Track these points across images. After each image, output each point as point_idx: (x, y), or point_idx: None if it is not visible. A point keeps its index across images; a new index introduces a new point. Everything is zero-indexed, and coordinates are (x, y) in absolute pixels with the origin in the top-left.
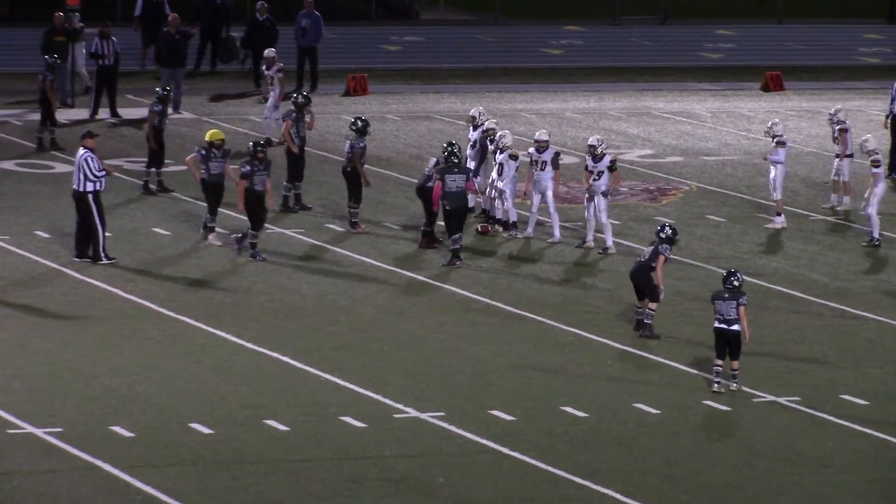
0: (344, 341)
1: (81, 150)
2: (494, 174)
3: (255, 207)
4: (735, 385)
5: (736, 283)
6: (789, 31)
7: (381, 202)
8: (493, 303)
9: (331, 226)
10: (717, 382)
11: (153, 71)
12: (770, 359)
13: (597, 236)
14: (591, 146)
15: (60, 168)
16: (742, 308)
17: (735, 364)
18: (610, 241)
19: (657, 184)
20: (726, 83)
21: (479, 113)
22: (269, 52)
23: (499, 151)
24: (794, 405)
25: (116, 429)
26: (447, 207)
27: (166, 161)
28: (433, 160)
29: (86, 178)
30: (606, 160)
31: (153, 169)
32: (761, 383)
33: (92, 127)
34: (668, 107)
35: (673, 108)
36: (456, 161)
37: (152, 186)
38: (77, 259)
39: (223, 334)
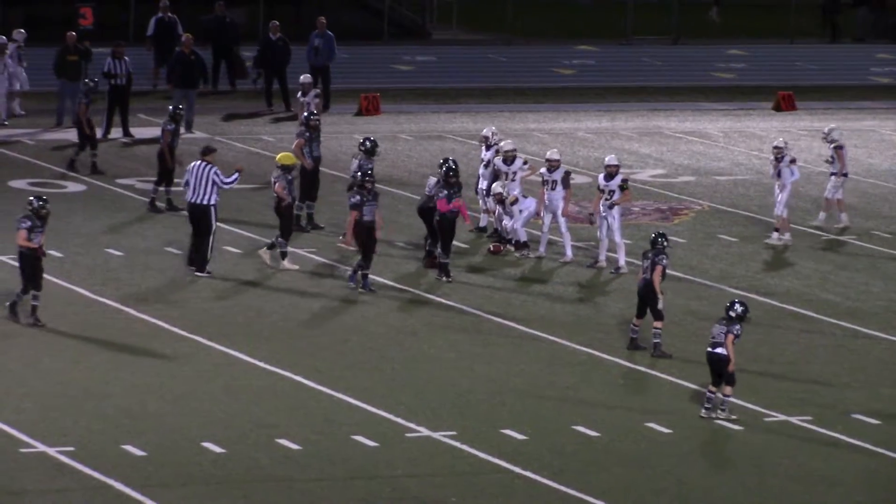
0: (356, 360)
1: (201, 164)
2: (483, 185)
3: (366, 239)
4: (723, 413)
5: (732, 314)
6: (801, 50)
7: (393, 221)
8: (505, 322)
9: (343, 245)
10: (705, 408)
11: (165, 91)
12: (782, 379)
13: (609, 256)
14: (610, 166)
15: (73, 188)
16: (730, 336)
17: (727, 390)
18: (622, 261)
19: (669, 203)
20: (738, 103)
21: (492, 133)
22: (305, 77)
23: (505, 161)
24: (805, 424)
25: (128, 448)
26: (442, 221)
27: (176, 181)
28: (433, 179)
29: (212, 191)
30: (618, 179)
31: (162, 187)
32: (773, 403)
33: (104, 146)
34: (680, 126)
35: (685, 127)
36: (457, 180)
37: (160, 205)
38: (192, 269)
39: (235, 353)
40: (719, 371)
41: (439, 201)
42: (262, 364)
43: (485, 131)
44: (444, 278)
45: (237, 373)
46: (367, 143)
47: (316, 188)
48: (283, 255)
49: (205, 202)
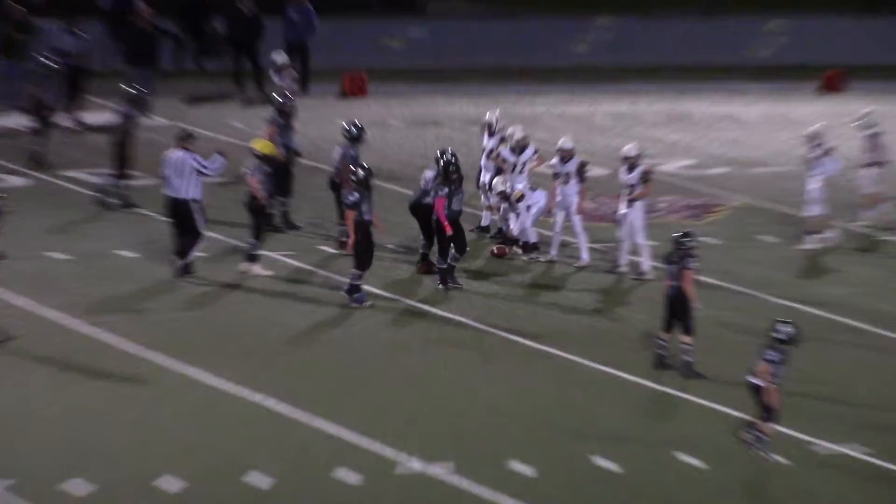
0: (337, 381)
1: (179, 153)
2: (486, 178)
3: (365, 241)
4: (747, 434)
5: (777, 337)
6: (850, 24)
7: (382, 220)
8: (511, 336)
9: (324, 247)
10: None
11: (120, 71)
12: (834, 402)
13: (631, 259)
14: (627, 157)
15: (13, 181)
16: (764, 366)
17: (765, 428)
18: (647, 265)
19: (700, 199)
20: (779, 83)
21: (497, 118)
22: (278, 56)
23: (515, 151)
24: (865, 457)
25: (75, 482)
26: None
27: (132, 174)
28: (430, 173)
29: (193, 182)
30: (639, 171)
31: (117, 182)
32: (825, 430)
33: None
34: (712, 111)
35: (718, 112)
36: (458, 175)
37: (113, 201)
38: (178, 258)
39: (198, 374)
40: (757, 403)
41: (438, 200)
42: (228, 386)
43: (488, 116)
44: (442, 286)
45: (200, 397)
46: (353, 128)
47: (290, 182)
48: (254, 258)
49: (185, 196)
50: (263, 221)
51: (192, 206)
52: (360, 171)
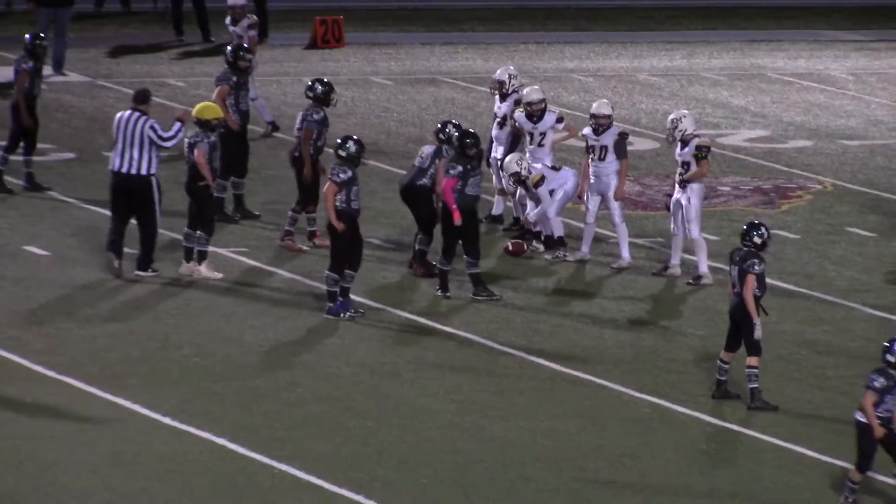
0: (308, 415)
1: (132, 115)
2: (498, 153)
3: (351, 236)
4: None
5: (891, 359)
6: None
7: (364, 207)
8: (530, 357)
9: (293, 240)
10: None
11: (25, 12)
12: None
13: (685, 258)
14: (677, 126)
15: None
16: (869, 397)
17: (855, 475)
18: (704, 267)
19: (774, 180)
20: (876, 31)
21: (510, 75)
22: None
23: (530, 117)
24: None
25: None
26: (446, 213)
27: (40, 146)
28: (429, 148)
29: (150, 154)
30: (692, 146)
31: (22, 157)
32: None
33: None
34: (790, 66)
35: (797, 68)
36: (478, 151)
37: (14, 182)
38: (114, 257)
39: (128, 404)
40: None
41: (447, 181)
42: (167, 420)
43: (499, 73)
44: (440, 291)
45: (131, 432)
46: (318, 86)
47: (245, 157)
48: (201, 256)
49: (140, 172)
50: (210, 208)
51: (151, 185)
52: (352, 144)
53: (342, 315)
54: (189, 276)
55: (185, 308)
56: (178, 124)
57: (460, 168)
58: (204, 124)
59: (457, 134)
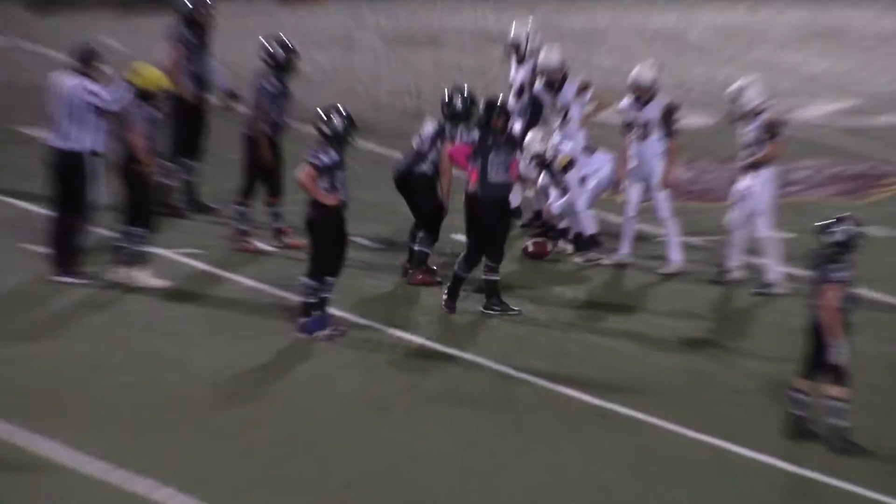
0: (273, 462)
1: (69, 78)
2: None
3: (334, 234)
4: None
5: None
6: None
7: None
8: (556, 387)
9: (249, 240)
10: None
11: None
12: None
13: (750, 262)
14: (735, 97)
15: None
16: None
17: None
18: (775, 273)
19: (860, 165)
20: None
21: (528, 34)
22: None
23: (550, 85)
24: None
25: None
26: (479, 210)
27: None
28: (430, 127)
29: (91, 124)
30: (761, 122)
31: None
32: None
33: None
34: (878, 25)
35: (883, 28)
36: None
37: None
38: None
39: (51, 449)
40: None
41: (459, 147)
42: (99, 468)
43: (514, 33)
44: (447, 304)
45: (52, 482)
46: (277, 49)
47: (199, 135)
48: (137, 259)
49: (78, 147)
50: (148, 198)
51: (90, 164)
52: (338, 120)
53: (318, 334)
54: (126, 283)
55: (120, 324)
56: (120, 82)
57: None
58: (142, 94)
59: (484, 104)
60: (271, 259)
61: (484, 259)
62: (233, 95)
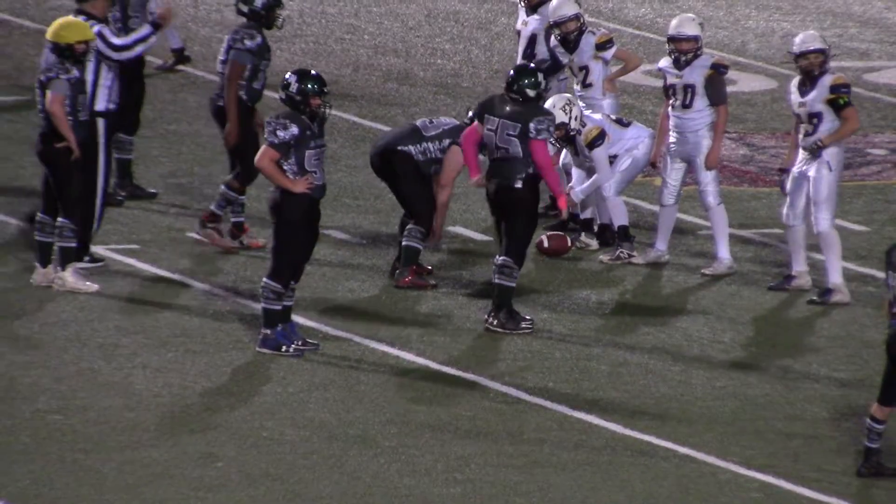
0: (232, 502)
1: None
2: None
3: (303, 227)
4: None
5: None
6: None
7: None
8: (577, 414)
9: (198, 236)
10: None
11: None
12: None
13: (813, 260)
14: (806, 54)
15: None
16: None
17: None
18: (837, 275)
19: None
20: None
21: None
22: None
23: (566, 41)
24: None
25: None
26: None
27: None
28: (447, 121)
29: (103, 82)
30: (824, 86)
31: None
32: None
33: None
34: None
35: None
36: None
37: None
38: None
39: None
40: None
41: (543, 151)
42: None
43: None
44: (502, 325)
45: None
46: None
47: (137, 104)
48: (64, 257)
49: (89, 112)
50: (76, 182)
51: (96, 127)
52: (295, 81)
53: (284, 349)
54: (51, 287)
55: (42, 337)
56: (147, 28)
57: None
58: (62, 51)
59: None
60: (227, 258)
61: (498, 257)
62: (181, 56)
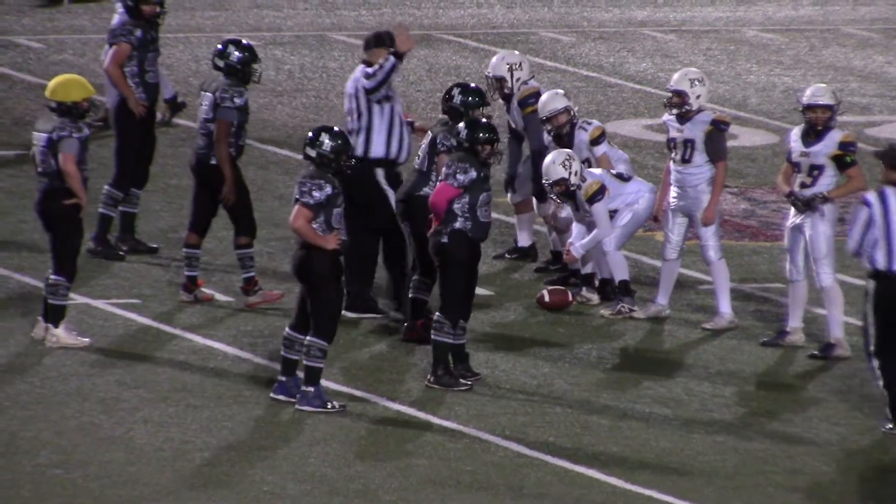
0: None
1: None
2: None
3: (336, 280)
4: None
5: None
6: None
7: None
8: (576, 468)
9: (205, 289)
10: None
11: None
12: None
13: (811, 316)
14: (814, 108)
15: None
16: None
17: None
18: (840, 330)
19: None
20: None
21: (511, 66)
22: None
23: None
24: None
25: None
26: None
27: None
28: (429, 140)
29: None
30: (832, 140)
31: None
32: None
33: None
34: None
35: None
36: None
37: None
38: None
39: None
40: None
41: (444, 187)
42: None
43: (494, 64)
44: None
45: None
46: (232, 51)
47: (148, 157)
48: (55, 314)
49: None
50: (75, 240)
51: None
52: (328, 139)
53: (330, 406)
54: (45, 344)
55: (43, 391)
56: (391, 60)
57: (473, 174)
58: (68, 110)
59: (463, 123)
60: (231, 313)
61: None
62: (177, 105)
